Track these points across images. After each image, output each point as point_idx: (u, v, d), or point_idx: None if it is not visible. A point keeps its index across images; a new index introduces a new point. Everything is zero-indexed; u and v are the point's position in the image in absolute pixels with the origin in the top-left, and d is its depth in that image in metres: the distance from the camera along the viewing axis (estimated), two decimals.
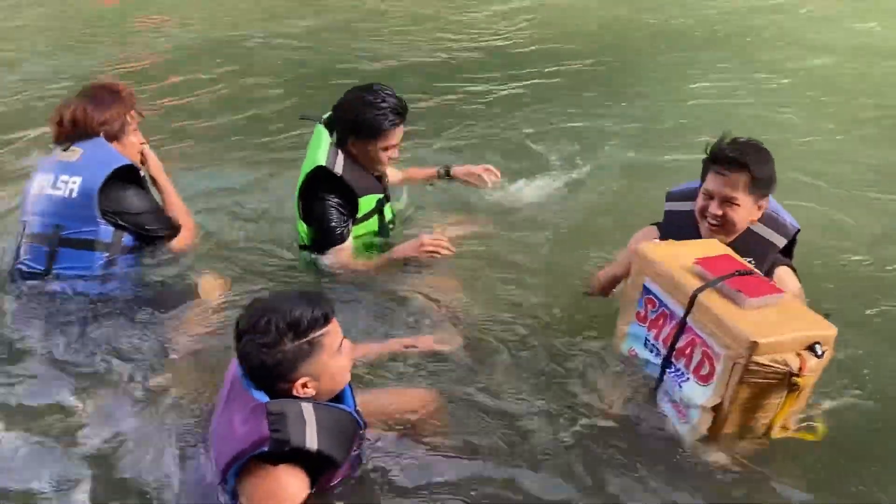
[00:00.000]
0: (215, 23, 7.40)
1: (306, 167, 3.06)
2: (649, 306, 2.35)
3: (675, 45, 6.53)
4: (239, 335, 1.92)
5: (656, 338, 2.32)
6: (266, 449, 1.83)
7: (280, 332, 1.88)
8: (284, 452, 1.85)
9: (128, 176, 2.95)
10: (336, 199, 3.07)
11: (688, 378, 2.23)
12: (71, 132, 2.93)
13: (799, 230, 2.57)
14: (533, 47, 6.60)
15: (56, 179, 2.91)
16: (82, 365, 2.70)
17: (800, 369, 2.04)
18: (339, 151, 3.07)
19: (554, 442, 2.39)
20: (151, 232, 3.01)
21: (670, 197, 2.71)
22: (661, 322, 2.30)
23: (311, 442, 1.86)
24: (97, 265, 2.93)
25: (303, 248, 3.24)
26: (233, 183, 4.07)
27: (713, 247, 2.39)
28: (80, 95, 2.99)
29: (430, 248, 3.00)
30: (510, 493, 2.23)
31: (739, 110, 5.12)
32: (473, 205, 3.75)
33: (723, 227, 2.47)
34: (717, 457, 2.23)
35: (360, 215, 3.16)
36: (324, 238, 3.11)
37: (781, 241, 2.52)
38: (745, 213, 2.46)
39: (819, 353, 2.08)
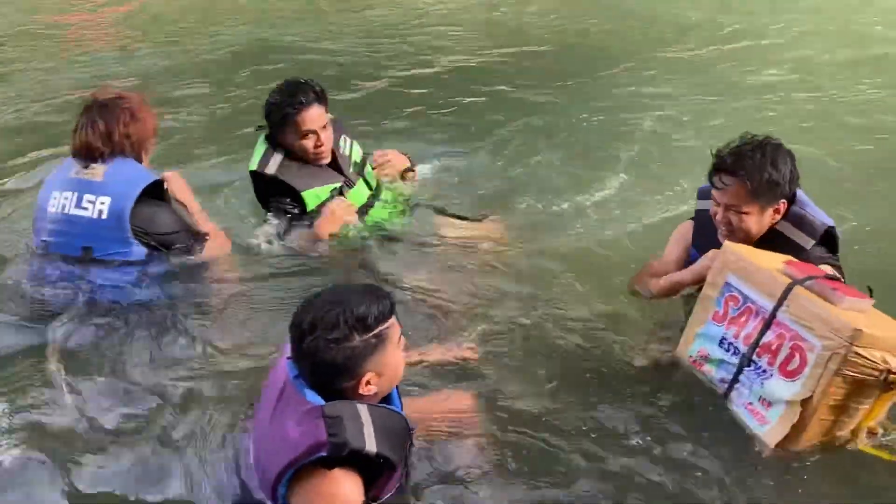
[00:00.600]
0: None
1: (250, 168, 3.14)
2: (731, 304, 2.29)
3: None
4: (301, 333, 1.83)
5: (736, 336, 2.26)
6: (324, 454, 1.77)
7: (350, 326, 1.82)
8: (341, 457, 1.78)
9: (154, 192, 2.86)
10: (280, 199, 3.11)
11: (771, 374, 2.15)
12: (95, 149, 2.79)
13: (832, 227, 2.43)
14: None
15: (80, 199, 2.79)
16: (129, 377, 2.58)
17: None
18: (276, 152, 3.10)
19: (596, 450, 2.28)
20: (182, 250, 2.93)
21: (700, 194, 2.64)
22: (743, 319, 2.25)
23: (371, 444, 1.80)
24: (130, 279, 2.85)
25: None
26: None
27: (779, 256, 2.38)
28: (101, 108, 2.83)
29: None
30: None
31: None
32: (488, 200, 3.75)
33: (734, 234, 2.42)
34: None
35: (310, 209, 3.13)
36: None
37: (808, 242, 2.41)
38: (756, 219, 2.40)
39: None
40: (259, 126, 3.18)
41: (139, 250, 2.83)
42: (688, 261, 2.61)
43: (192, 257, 2.96)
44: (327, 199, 3.14)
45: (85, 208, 2.78)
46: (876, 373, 2.00)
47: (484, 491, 2.14)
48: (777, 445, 2.13)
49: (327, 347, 1.81)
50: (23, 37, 6.96)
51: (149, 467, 2.23)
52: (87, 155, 2.80)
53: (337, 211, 3.10)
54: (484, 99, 5.30)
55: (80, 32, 7.11)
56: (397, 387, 2.04)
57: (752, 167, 2.33)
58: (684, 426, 2.33)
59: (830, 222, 2.45)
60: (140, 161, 2.88)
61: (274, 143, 3.11)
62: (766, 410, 2.15)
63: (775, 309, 2.15)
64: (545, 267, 3.20)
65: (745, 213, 2.37)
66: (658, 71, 5.73)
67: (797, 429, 2.08)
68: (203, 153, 4.34)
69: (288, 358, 1.92)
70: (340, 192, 3.19)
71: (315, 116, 3.03)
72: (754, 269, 2.24)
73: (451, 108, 5.13)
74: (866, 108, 4.96)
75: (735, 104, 5.03)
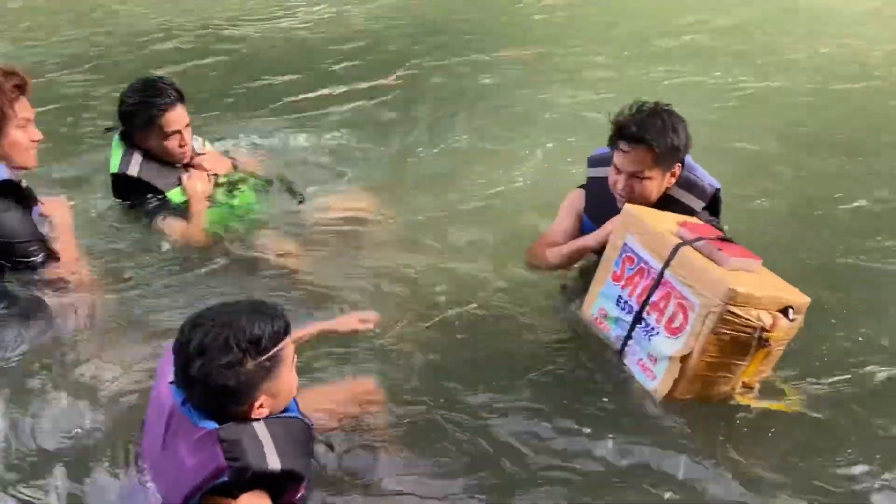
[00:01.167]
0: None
1: (110, 179, 3.06)
2: (627, 264, 2.36)
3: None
4: (188, 358, 1.70)
5: (630, 294, 2.33)
6: (226, 479, 1.69)
7: (243, 349, 1.71)
8: (245, 480, 1.71)
9: (8, 193, 2.48)
10: (143, 198, 3.04)
11: (658, 332, 2.23)
12: None
13: (719, 189, 2.53)
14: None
15: None
16: None
17: (771, 326, 2.07)
18: (135, 152, 3.02)
19: (506, 430, 2.32)
20: (22, 263, 2.54)
21: (591, 162, 2.68)
22: (637, 278, 2.31)
23: (274, 462, 1.72)
24: None
25: None
26: None
27: (681, 218, 2.44)
28: None
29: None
30: (461, 480, 2.17)
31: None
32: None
33: (634, 200, 2.45)
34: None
35: (174, 205, 3.06)
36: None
37: (699, 204, 2.51)
38: (657, 184, 2.45)
39: (791, 317, 2.12)
40: (109, 128, 3.10)
41: None
42: (580, 229, 2.65)
43: (35, 274, 2.58)
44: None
45: None
46: (750, 330, 2.07)
47: (391, 481, 2.14)
48: (664, 399, 2.21)
49: (219, 373, 1.69)
50: None
51: None
52: None
53: (198, 188, 3.06)
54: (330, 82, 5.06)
55: None
56: None
57: (656, 133, 2.37)
58: (586, 393, 2.41)
59: (718, 185, 2.52)
60: None
61: (130, 142, 3.02)
62: (654, 366, 2.23)
63: (663, 268, 2.22)
64: (422, 238, 3.20)
65: (648, 179, 2.42)
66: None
67: (679, 383, 2.16)
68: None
69: (171, 382, 1.81)
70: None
71: (179, 116, 2.98)
72: (648, 229, 2.31)
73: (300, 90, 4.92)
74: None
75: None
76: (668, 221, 2.34)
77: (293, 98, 4.71)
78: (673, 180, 2.49)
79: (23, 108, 2.48)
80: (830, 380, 2.47)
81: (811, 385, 2.42)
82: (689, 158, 2.53)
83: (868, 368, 2.56)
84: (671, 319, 2.19)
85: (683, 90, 4.82)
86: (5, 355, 2.46)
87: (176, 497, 1.73)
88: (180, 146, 3.02)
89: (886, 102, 4.83)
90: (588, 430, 2.28)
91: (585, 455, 2.23)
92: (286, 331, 1.79)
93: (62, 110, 4.37)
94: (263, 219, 3.20)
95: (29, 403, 2.30)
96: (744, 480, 2.14)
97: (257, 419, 1.76)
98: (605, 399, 2.38)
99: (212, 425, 1.72)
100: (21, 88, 2.48)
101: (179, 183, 3.07)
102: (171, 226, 3.02)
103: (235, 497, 1.70)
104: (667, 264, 2.21)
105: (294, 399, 1.91)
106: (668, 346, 2.18)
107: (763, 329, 2.06)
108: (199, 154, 3.16)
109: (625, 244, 2.37)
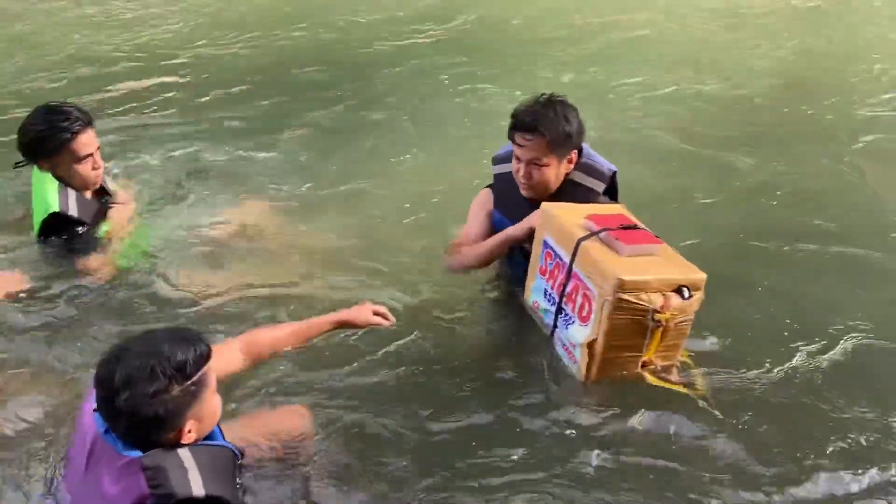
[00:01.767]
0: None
1: (37, 214, 2.96)
2: (548, 259, 2.58)
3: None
4: (112, 389, 1.69)
5: (552, 287, 2.55)
6: None
7: (169, 376, 1.71)
8: None
9: None
10: (67, 232, 3.00)
11: (573, 320, 2.45)
12: None
13: (615, 171, 2.73)
14: None
15: None
16: None
17: (662, 307, 2.25)
18: (68, 188, 2.95)
19: (443, 456, 2.34)
20: None
21: (496, 161, 2.88)
22: (556, 272, 2.53)
23: (198, 488, 1.71)
24: None
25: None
26: None
27: (613, 207, 2.62)
28: None
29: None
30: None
31: None
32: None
33: (535, 187, 2.65)
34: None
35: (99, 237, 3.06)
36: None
37: (600, 186, 2.71)
38: (555, 170, 2.63)
39: (685, 295, 2.29)
40: (19, 163, 3.02)
41: None
42: (492, 226, 2.84)
43: None
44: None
45: None
46: (643, 313, 2.26)
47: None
48: (584, 379, 2.44)
49: (146, 402, 1.69)
50: None
51: None
52: None
53: (120, 218, 3.11)
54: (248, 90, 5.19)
55: None
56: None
57: (549, 122, 2.57)
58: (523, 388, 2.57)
59: (614, 168, 2.72)
60: None
61: (56, 175, 2.95)
62: (574, 350, 2.46)
63: (570, 263, 2.43)
64: (327, 246, 3.28)
65: (545, 166, 2.61)
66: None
67: (591, 366, 2.38)
68: None
69: (95, 409, 1.80)
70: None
71: (90, 139, 2.96)
72: (558, 226, 2.51)
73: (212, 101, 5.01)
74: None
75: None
76: (578, 215, 2.52)
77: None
78: (571, 166, 2.68)
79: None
80: (740, 364, 2.66)
81: (723, 369, 2.61)
82: (586, 146, 2.72)
83: (782, 349, 2.76)
84: (581, 309, 2.41)
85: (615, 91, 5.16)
86: None
87: None
88: (94, 169, 2.99)
89: (790, 98, 5.15)
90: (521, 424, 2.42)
91: (517, 450, 2.34)
92: (209, 354, 1.81)
93: None
94: (159, 245, 3.21)
95: None
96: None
97: (182, 445, 1.78)
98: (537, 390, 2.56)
99: (136, 453, 1.73)
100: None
101: (103, 217, 3.07)
102: (92, 262, 3.00)
103: None
104: (573, 259, 2.42)
105: (219, 428, 1.94)
106: (580, 333, 2.40)
107: (655, 311, 2.25)
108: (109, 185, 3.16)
109: (544, 241, 2.58)
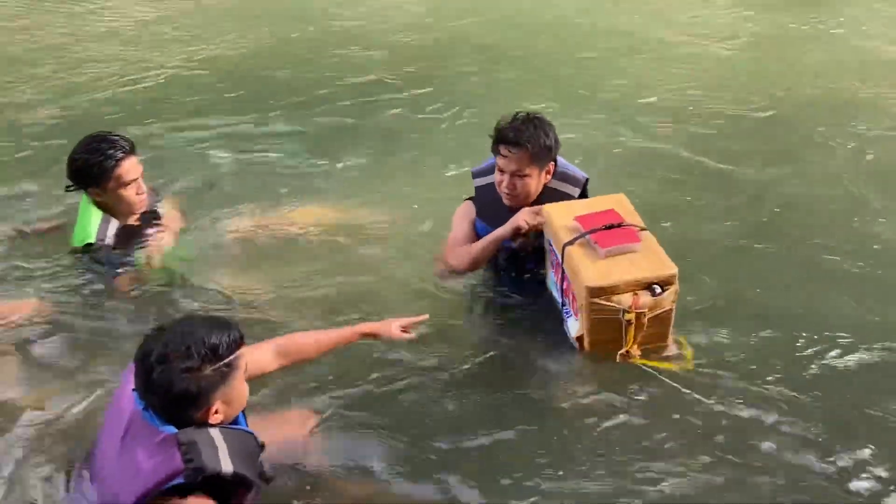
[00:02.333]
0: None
1: (77, 236, 3.17)
2: (552, 256, 2.87)
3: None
4: (150, 365, 1.84)
5: (558, 282, 2.85)
6: (181, 480, 1.82)
7: (202, 356, 1.85)
8: (197, 482, 1.84)
9: None
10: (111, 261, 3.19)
11: (571, 314, 2.76)
12: None
13: (588, 179, 2.99)
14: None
15: None
16: None
17: (631, 307, 2.49)
18: (111, 219, 3.16)
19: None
20: None
21: (475, 174, 3.09)
22: (558, 269, 2.82)
23: (227, 466, 1.86)
24: None
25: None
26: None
27: (605, 202, 2.82)
28: None
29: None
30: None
31: None
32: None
33: (518, 196, 2.88)
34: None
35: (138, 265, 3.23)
36: None
37: (575, 191, 2.96)
38: (536, 180, 2.87)
39: (656, 292, 2.51)
40: (69, 187, 3.19)
41: None
42: (476, 233, 3.06)
43: None
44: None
45: None
46: (615, 312, 2.52)
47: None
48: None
49: (180, 378, 1.83)
50: None
51: None
52: None
53: (159, 245, 3.30)
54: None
55: None
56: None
57: (531, 136, 2.81)
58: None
59: (586, 175, 2.98)
60: None
61: (101, 206, 3.17)
62: (575, 340, 2.77)
63: (562, 264, 2.72)
64: (357, 252, 3.49)
65: (527, 177, 2.86)
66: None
67: (585, 352, 2.70)
68: None
69: (133, 390, 1.93)
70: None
71: (133, 166, 3.15)
72: (553, 229, 2.78)
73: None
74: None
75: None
76: (570, 215, 2.74)
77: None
78: (548, 176, 2.92)
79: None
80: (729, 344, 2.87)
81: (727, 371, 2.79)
82: (560, 158, 2.95)
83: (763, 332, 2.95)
84: (573, 303, 2.71)
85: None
86: None
87: (128, 497, 1.84)
88: (137, 194, 3.18)
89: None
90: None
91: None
92: (241, 340, 1.95)
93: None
94: (197, 252, 3.44)
95: None
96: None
97: (212, 425, 1.91)
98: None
99: (171, 430, 1.85)
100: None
101: (144, 242, 3.27)
102: (123, 280, 3.20)
103: (185, 499, 1.84)
104: (562, 260, 2.70)
105: (244, 415, 2.10)
106: (575, 326, 2.71)
107: (624, 311, 2.50)
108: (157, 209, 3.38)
109: (548, 241, 2.88)
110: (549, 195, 2.95)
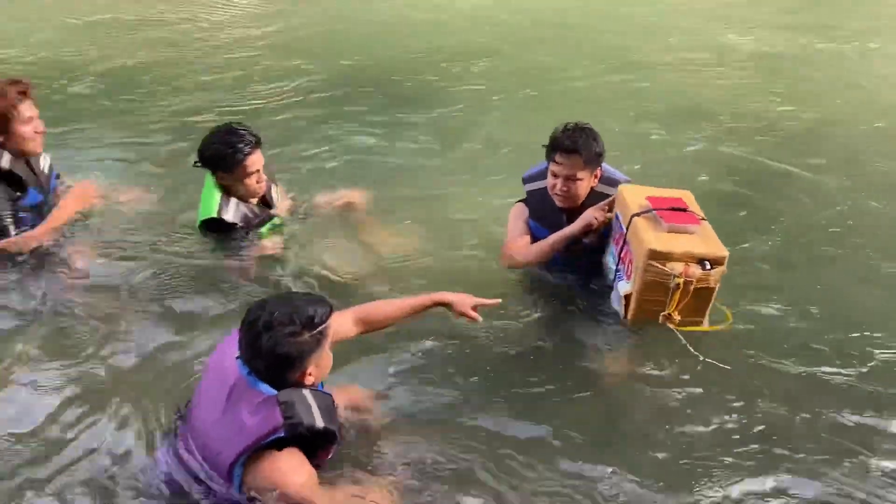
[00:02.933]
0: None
1: (202, 212, 3.59)
2: (617, 230, 3.28)
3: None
4: (257, 331, 2.09)
5: (616, 251, 3.26)
6: (282, 434, 2.08)
7: (302, 323, 2.11)
8: (294, 436, 2.10)
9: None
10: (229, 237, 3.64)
11: (623, 277, 3.16)
12: None
13: (630, 181, 3.37)
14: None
15: None
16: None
17: (682, 273, 2.89)
18: (231, 198, 3.58)
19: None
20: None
21: (527, 180, 3.50)
22: (619, 240, 3.23)
23: (319, 422, 2.14)
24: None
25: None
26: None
27: (674, 193, 3.24)
28: None
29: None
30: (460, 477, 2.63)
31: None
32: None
33: (570, 198, 3.30)
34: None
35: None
36: None
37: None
38: (586, 183, 3.32)
39: (706, 267, 2.90)
40: (197, 163, 3.59)
41: None
42: (531, 233, 3.49)
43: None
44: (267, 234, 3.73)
45: None
46: (667, 277, 2.91)
47: (402, 459, 2.60)
48: (626, 320, 3.14)
49: (283, 342, 2.08)
50: None
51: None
52: None
53: (269, 245, 3.73)
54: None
55: None
56: None
57: (584, 144, 3.25)
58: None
59: (629, 178, 3.40)
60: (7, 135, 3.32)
61: (220, 186, 3.58)
62: (621, 300, 3.16)
63: (625, 233, 3.12)
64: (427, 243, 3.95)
65: (580, 180, 3.29)
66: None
67: (629, 311, 3.09)
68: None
69: (237, 357, 2.17)
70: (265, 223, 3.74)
71: (258, 159, 3.57)
72: (624, 204, 3.20)
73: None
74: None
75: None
76: (642, 196, 3.18)
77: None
78: (596, 180, 3.36)
79: (27, 108, 3.39)
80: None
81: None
82: (604, 164, 3.38)
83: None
84: (628, 269, 3.11)
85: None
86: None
87: (230, 452, 2.10)
88: (258, 182, 3.61)
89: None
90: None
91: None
92: (331, 313, 2.22)
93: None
94: (290, 233, 3.87)
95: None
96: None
97: (305, 386, 2.19)
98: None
99: (271, 391, 2.12)
100: (25, 93, 3.36)
101: (261, 224, 3.72)
102: (241, 260, 3.66)
103: (282, 451, 2.11)
104: (627, 230, 3.11)
105: (322, 383, 2.36)
106: (626, 286, 3.11)
107: (675, 276, 2.89)
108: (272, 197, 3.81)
109: (616, 215, 3.29)
110: (595, 197, 3.37)
